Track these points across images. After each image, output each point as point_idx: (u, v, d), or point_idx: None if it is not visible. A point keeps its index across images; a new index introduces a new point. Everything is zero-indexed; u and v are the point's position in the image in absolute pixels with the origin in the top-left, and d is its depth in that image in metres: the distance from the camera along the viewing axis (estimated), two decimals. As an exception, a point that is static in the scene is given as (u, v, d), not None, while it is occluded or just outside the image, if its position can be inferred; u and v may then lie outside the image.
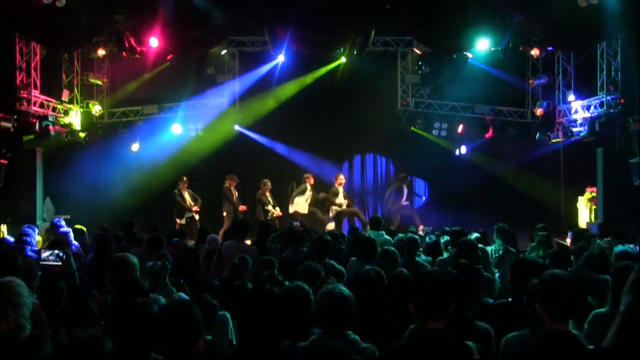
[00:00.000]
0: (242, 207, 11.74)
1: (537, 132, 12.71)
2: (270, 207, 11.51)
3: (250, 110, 13.16)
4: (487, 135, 13.12)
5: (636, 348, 2.03)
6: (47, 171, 11.84)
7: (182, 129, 13.00)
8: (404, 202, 12.19)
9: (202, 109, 13.18)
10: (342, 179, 11.70)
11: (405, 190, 12.30)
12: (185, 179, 11.86)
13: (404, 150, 13.32)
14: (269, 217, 11.29)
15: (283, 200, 11.87)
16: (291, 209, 11.48)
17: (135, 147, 12.98)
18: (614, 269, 3.63)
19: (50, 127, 11.34)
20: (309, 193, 11.59)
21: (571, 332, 2.55)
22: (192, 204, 11.74)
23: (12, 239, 6.72)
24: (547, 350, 2.45)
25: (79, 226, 7.97)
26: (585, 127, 11.44)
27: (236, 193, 11.90)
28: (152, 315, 2.69)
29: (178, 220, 11.57)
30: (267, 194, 11.66)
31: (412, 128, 13.02)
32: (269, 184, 11.69)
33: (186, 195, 11.76)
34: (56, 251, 4.80)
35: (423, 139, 13.18)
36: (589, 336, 3.22)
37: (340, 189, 11.65)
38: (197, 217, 11.71)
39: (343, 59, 12.44)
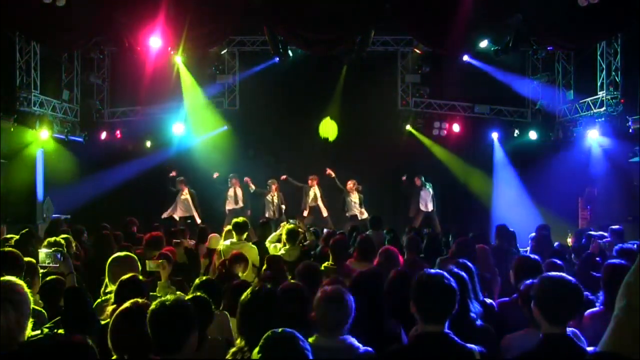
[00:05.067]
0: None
1: (537, 132, 12.71)
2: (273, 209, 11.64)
3: (249, 110, 13.16)
4: (486, 135, 13.13)
5: (630, 353, 2.02)
6: (47, 171, 11.84)
7: (182, 129, 13.01)
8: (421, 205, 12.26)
9: (201, 109, 13.18)
10: (351, 184, 11.85)
11: (423, 194, 12.30)
12: (182, 178, 11.85)
13: (404, 150, 13.30)
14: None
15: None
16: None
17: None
18: (606, 267, 3.62)
19: (50, 127, 11.35)
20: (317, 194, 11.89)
21: (568, 334, 2.53)
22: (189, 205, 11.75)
23: None
24: (544, 354, 2.44)
25: (78, 226, 7.96)
26: (585, 127, 11.44)
27: (240, 192, 11.94)
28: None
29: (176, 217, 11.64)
30: (273, 193, 11.74)
31: (410, 128, 13.06)
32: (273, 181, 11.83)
33: (185, 195, 11.75)
34: (55, 252, 4.78)
35: (423, 138, 13.21)
36: (585, 336, 3.21)
37: (353, 196, 11.76)
38: (198, 219, 11.66)
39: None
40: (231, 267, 5.17)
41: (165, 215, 11.70)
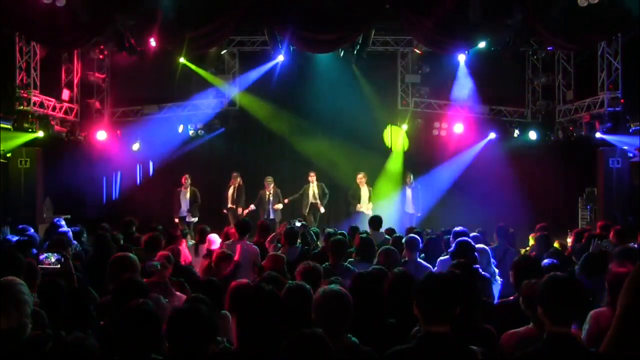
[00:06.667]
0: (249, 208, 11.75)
1: (537, 132, 12.71)
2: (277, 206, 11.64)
3: (249, 110, 13.16)
4: (486, 135, 13.13)
5: (634, 352, 2.02)
6: (47, 171, 11.83)
7: (182, 128, 13.00)
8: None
9: (202, 109, 13.18)
10: (361, 177, 11.84)
11: (407, 194, 12.28)
12: (186, 175, 11.83)
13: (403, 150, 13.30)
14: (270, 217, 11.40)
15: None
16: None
17: (135, 146, 12.99)
18: (610, 267, 3.62)
19: (50, 127, 11.34)
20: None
21: (573, 334, 2.54)
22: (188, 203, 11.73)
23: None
24: (549, 353, 2.44)
25: (79, 226, 7.96)
26: (585, 127, 11.44)
27: (234, 193, 11.93)
28: (152, 315, 2.68)
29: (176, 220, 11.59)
30: (268, 191, 11.71)
31: (404, 130, 13.06)
32: (270, 179, 11.79)
33: (187, 194, 11.73)
34: (55, 254, 4.77)
35: (422, 138, 13.20)
36: (590, 336, 3.22)
37: (363, 190, 11.74)
38: (194, 218, 11.62)
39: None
40: (217, 267, 5.23)
41: (176, 219, 11.59)
